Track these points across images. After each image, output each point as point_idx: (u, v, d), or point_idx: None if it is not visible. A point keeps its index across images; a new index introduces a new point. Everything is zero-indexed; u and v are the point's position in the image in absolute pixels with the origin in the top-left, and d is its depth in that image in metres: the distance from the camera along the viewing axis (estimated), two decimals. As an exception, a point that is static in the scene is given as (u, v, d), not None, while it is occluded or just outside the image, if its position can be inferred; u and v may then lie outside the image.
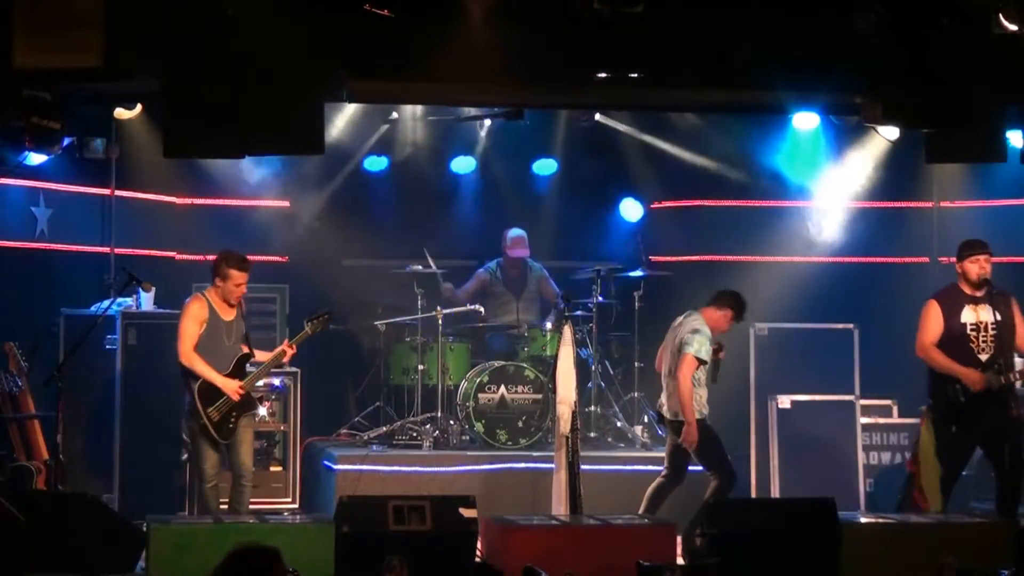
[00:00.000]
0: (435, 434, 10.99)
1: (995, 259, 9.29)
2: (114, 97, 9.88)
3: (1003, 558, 7.69)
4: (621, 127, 12.35)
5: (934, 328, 9.13)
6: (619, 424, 11.45)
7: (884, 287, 12.04)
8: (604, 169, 12.66)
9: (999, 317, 9.04)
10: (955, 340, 9.08)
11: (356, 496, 8.82)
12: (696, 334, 9.51)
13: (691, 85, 9.37)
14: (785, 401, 11.09)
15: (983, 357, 9.03)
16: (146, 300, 10.54)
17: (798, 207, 12.42)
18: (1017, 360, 9.24)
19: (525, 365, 11.10)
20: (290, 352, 9.35)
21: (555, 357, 9.93)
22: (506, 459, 10.63)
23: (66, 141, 9.75)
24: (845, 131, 11.71)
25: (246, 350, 9.28)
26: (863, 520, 9.13)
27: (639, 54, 8.89)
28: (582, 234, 12.70)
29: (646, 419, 11.41)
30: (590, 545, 8.33)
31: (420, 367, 11.23)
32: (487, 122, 12.09)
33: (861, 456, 11.15)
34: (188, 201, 11.94)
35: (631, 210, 12.60)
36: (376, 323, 11.48)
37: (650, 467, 10.14)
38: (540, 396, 10.89)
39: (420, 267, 11.52)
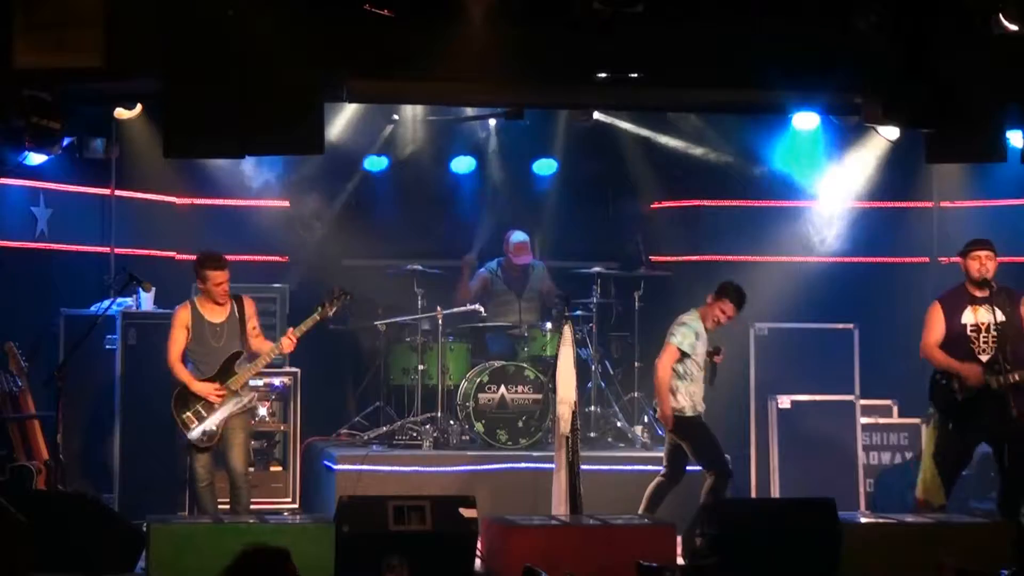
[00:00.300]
0: (435, 434, 10.99)
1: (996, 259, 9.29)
2: (114, 97, 9.87)
3: (1003, 558, 7.68)
4: (621, 126, 12.35)
5: (936, 329, 9.15)
6: (619, 424, 11.46)
7: (884, 287, 12.04)
8: (604, 169, 12.65)
9: (1002, 317, 9.03)
10: (956, 341, 9.08)
11: (356, 496, 8.81)
12: (682, 326, 9.54)
13: (691, 85, 9.38)
14: (785, 401, 11.08)
15: (984, 358, 9.02)
16: (146, 300, 10.54)
17: (798, 207, 12.42)
18: None
19: (525, 365, 11.10)
20: (289, 344, 9.23)
21: (555, 357, 9.93)
22: (506, 459, 10.63)
23: (66, 141, 9.77)
24: (845, 131, 11.70)
25: (239, 349, 9.23)
26: (863, 520, 9.13)
27: (639, 54, 8.89)
28: (582, 234, 12.69)
29: (646, 419, 11.41)
30: (590, 545, 8.33)
31: (420, 367, 11.23)
32: (492, 121, 12.09)
33: (861, 456, 11.14)
34: (188, 201, 11.94)
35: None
36: (376, 323, 11.47)
37: (650, 467, 10.14)
38: (540, 396, 10.89)
39: (420, 267, 11.52)
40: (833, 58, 8.83)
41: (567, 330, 9.80)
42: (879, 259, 12.36)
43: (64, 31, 7.86)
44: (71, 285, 10.90)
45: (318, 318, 9.29)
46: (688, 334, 9.50)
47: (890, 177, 12.11)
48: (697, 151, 12.29)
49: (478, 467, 10.51)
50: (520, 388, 10.96)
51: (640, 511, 9.45)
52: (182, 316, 9.22)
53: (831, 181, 12.27)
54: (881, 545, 8.39)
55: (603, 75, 9.03)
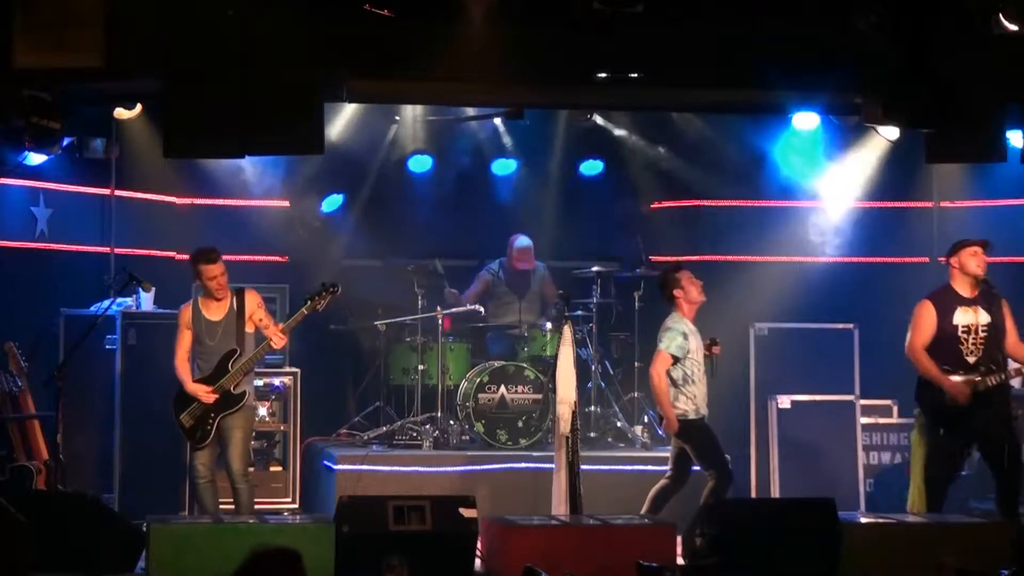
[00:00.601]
0: (435, 434, 10.99)
1: (995, 259, 9.30)
2: (114, 97, 9.88)
3: (1003, 558, 7.66)
4: (621, 127, 12.35)
5: (927, 329, 9.10)
6: (619, 424, 11.45)
7: (884, 287, 12.03)
8: (604, 169, 12.65)
9: (991, 319, 9.03)
10: (946, 341, 9.05)
11: (356, 496, 8.80)
12: (667, 331, 9.50)
13: (691, 85, 9.38)
14: (785, 401, 11.08)
15: (971, 359, 9.01)
16: (146, 300, 10.54)
17: (798, 207, 12.42)
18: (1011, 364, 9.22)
19: (525, 365, 11.10)
20: (279, 340, 9.14)
21: (555, 357, 9.93)
22: (506, 459, 10.63)
23: (66, 141, 9.77)
24: (845, 131, 11.70)
25: (234, 347, 9.20)
26: (863, 520, 9.12)
27: (639, 54, 8.90)
28: (582, 234, 12.69)
29: (646, 419, 11.41)
30: (590, 545, 8.33)
31: (420, 367, 11.23)
32: (497, 121, 12.08)
33: (861, 456, 11.14)
34: (188, 201, 11.94)
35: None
36: (376, 323, 11.47)
37: (650, 467, 10.14)
38: (540, 396, 10.89)
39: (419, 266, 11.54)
40: (833, 58, 8.84)
41: (567, 330, 9.79)
42: (879, 259, 12.36)
43: (64, 31, 7.87)
44: (71, 285, 10.90)
45: (306, 312, 9.25)
46: (675, 336, 9.45)
47: (890, 177, 12.11)
48: (697, 151, 12.29)
49: (478, 467, 10.50)
50: (520, 388, 10.96)
51: (642, 512, 9.43)
52: (184, 315, 9.25)
53: (831, 181, 12.27)
54: (881, 545, 8.38)
55: (603, 75, 9.03)
